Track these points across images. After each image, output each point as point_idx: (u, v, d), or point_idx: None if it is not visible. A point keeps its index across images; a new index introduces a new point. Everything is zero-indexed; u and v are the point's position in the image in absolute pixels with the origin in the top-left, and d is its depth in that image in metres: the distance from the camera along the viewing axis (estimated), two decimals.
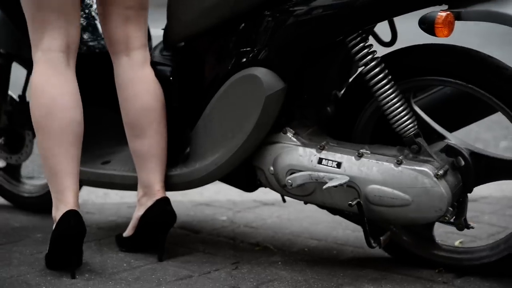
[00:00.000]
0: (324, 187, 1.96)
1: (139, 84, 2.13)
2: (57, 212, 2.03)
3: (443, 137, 2.00)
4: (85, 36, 2.37)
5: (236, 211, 2.67)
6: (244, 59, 2.03)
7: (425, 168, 1.91)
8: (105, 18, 2.16)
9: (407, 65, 1.98)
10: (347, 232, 2.43)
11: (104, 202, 2.78)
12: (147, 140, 2.12)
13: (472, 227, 2.09)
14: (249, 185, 2.19)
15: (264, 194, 2.80)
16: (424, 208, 1.92)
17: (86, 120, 2.09)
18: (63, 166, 2.00)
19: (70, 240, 2.01)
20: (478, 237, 2.39)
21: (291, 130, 2.05)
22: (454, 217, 2.03)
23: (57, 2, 2.00)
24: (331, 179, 1.95)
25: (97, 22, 2.39)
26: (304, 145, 2.03)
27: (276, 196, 2.81)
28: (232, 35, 2.07)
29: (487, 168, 1.99)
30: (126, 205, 2.73)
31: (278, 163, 2.05)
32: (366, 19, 1.92)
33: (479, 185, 2.03)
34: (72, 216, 2.00)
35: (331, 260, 2.21)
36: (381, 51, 2.02)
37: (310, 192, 2.03)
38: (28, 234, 2.41)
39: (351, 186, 1.97)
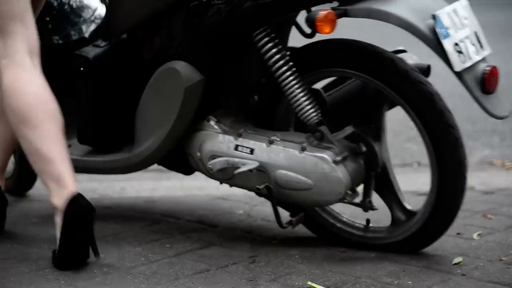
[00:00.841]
0: (236, 172, 2.13)
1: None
2: (60, 200, 2.04)
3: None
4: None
5: (252, 205, 2.67)
6: (167, 53, 2.20)
7: (324, 155, 2.07)
8: None
9: (308, 59, 2.14)
10: None
11: (121, 197, 2.79)
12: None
13: (376, 209, 2.18)
14: (184, 169, 2.35)
15: None
16: (325, 191, 2.07)
17: None
18: (56, 152, 2.04)
19: (85, 222, 2.04)
20: (496, 229, 2.38)
21: (214, 118, 2.21)
22: (360, 198, 2.18)
23: (13, 11, 2.06)
24: (244, 164, 2.11)
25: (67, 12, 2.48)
26: (224, 132, 2.19)
27: None
28: (158, 30, 2.22)
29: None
30: (143, 199, 2.74)
31: (203, 149, 2.20)
32: (264, 16, 2.07)
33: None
34: (81, 198, 2.04)
35: (349, 253, 2.21)
36: None
37: (230, 176, 2.18)
38: (46, 229, 2.41)
39: (262, 170, 2.12)
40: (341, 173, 2.05)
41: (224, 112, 2.23)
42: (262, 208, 2.63)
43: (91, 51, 2.31)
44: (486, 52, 2.05)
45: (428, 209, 2.10)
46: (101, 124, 2.34)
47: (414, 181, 2.95)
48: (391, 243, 2.16)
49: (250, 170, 2.10)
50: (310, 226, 2.28)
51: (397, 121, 3.96)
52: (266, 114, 2.22)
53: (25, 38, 2.09)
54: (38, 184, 2.94)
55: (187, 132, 2.22)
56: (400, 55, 2.14)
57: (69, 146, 2.41)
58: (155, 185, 2.90)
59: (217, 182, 2.94)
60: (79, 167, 2.36)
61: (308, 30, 2.10)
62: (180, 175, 2.83)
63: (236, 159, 2.14)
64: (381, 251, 2.18)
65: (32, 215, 2.56)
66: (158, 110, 2.21)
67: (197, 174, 2.36)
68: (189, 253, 2.22)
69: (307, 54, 2.14)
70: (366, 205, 2.18)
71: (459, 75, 1.98)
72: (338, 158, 2.06)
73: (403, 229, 2.15)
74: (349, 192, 2.10)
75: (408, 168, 3.29)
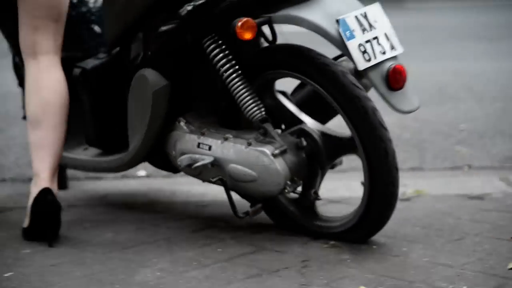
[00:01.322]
0: (193, 167, 2.32)
1: (42, 82, 2.39)
2: (35, 189, 2.33)
3: (301, 122, 2.30)
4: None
5: None
6: (140, 61, 2.42)
7: (264, 149, 2.23)
8: (19, 24, 2.42)
9: (256, 63, 2.32)
10: (416, 229, 2.40)
11: (171, 202, 2.81)
12: (42, 132, 2.35)
13: (320, 199, 2.34)
14: (169, 168, 2.53)
15: (329, 191, 2.79)
16: (267, 182, 2.24)
17: (75, 112, 2.51)
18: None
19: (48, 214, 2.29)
20: None
21: (183, 119, 2.40)
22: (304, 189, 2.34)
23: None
24: (202, 160, 2.30)
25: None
26: (191, 132, 2.37)
27: (343, 193, 2.80)
28: (136, 41, 2.48)
29: (335, 146, 2.28)
30: (194, 204, 2.75)
31: (176, 147, 2.40)
32: (206, 26, 2.27)
33: (334, 159, 2.31)
34: (48, 193, 2.30)
35: (401, 257, 2.19)
36: None
37: (199, 172, 2.36)
38: (100, 234, 2.45)
39: (218, 165, 2.30)
40: (279, 165, 2.22)
41: (194, 114, 2.43)
42: None
43: (90, 63, 2.55)
44: (397, 51, 2.17)
45: (363, 206, 2.23)
46: (100, 128, 2.57)
47: (465, 185, 2.91)
48: (341, 232, 2.29)
49: (208, 165, 2.30)
50: (272, 215, 2.42)
51: (447, 124, 3.93)
52: (232, 115, 2.40)
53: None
54: (90, 191, 2.98)
55: (164, 132, 2.41)
56: (343, 58, 2.32)
57: (87, 148, 2.66)
58: (205, 190, 2.91)
59: None
60: (91, 167, 2.64)
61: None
62: None
63: (197, 156, 2.33)
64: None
65: (86, 220, 2.60)
66: (136, 113, 2.42)
67: None
68: (241, 257, 2.22)
69: (256, 59, 2.32)
70: (312, 196, 2.33)
71: (364, 72, 2.13)
72: (276, 152, 2.22)
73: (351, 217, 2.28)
74: (288, 183, 2.25)
75: (459, 171, 3.25)
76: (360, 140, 2.16)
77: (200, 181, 3.03)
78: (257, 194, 2.30)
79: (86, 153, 2.65)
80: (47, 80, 2.38)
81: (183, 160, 2.35)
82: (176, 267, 2.16)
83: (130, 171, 3.08)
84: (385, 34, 2.17)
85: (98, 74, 2.53)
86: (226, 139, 2.30)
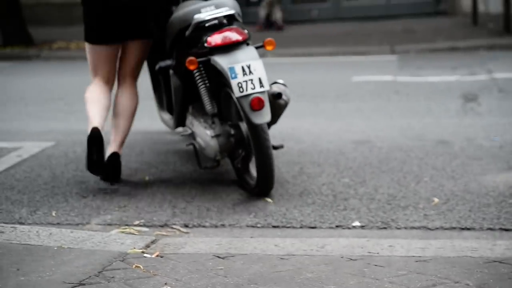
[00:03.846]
0: (180, 134, 4.12)
1: (124, 95, 3.99)
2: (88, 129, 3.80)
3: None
4: None
5: None
6: (172, 66, 3.91)
7: (208, 131, 3.68)
8: (119, 61, 3.97)
9: (214, 81, 3.71)
10: None
11: (390, 255, 2.73)
12: (120, 121, 3.92)
13: (239, 167, 3.72)
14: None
15: None
16: (208, 152, 3.69)
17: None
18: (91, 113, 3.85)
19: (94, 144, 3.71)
20: None
21: (191, 106, 3.89)
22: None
23: (94, 61, 3.98)
24: (188, 131, 3.89)
25: None
26: (191, 114, 3.87)
27: None
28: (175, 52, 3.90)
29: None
30: (414, 258, 2.66)
31: (186, 122, 3.94)
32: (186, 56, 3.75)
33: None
34: (95, 130, 3.70)
35: None
36: None
37: (194, 138, 3.86)
38: (322, 286, 2.42)
39: (194, 136, 3.80)
40: (213, 143, 3.65)
41: (200, 104, 3.80)
42: None
43: (165, 62, 3.96)
44: (264, 89, 3.47)
45: (257, 180, 3.59)
46: (168, 100, 4.17)
47: None
48: (251, 188, 3.64)
49: (188, 135, 3.87)
50: (236, 173, 3.78)
51: None
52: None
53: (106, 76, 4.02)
54: (309, 240, 2.96)
55: (184, 112, 3.91)
56: (273, 84, 3.69)
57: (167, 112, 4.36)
58: (424, 244, 2.81)
59: (491, 244, 2.81)
60: (167, 124, 4.34)
61: None
62: (423, 234, 2.73)
63: (188, 129, 3.88)
64: None
65: (307, 271, 2.58)
66: (173, 97, 3.93)
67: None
68: None
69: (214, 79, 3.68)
70: (235, 165, 3.74)
71: (239, 99, 3.44)
72: (212, 134, 3.65)
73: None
74: (218, 154, 3.66)
75: None
76: (253, 142, 3.49)
77: (419, 237, 2.98)
78: (209, 156, 3.71)
79: (166, 114, 4.28)
80: (126, 95, 3.95)
81: (182, 130, 3.92)
82: None
83: (345, 222, 3.05)
84: (259, 78, 3.47)
85: (167, 69, 3.96)
86: (199, 122, 3.75)
